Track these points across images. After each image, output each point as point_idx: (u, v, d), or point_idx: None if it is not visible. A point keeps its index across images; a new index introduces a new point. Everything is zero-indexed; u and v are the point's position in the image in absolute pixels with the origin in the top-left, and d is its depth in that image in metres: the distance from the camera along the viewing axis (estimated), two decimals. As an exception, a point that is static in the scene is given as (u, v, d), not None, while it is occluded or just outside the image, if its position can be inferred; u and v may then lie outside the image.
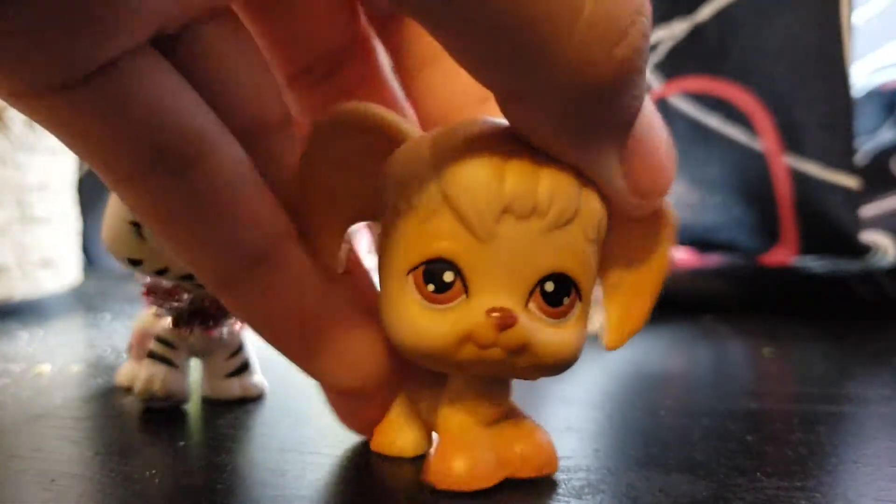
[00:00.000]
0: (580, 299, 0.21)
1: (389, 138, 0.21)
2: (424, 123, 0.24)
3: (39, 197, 0.53)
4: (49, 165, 0.54)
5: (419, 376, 0.23)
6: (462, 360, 0.20)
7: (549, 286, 0.20)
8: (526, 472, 0.22)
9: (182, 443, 0.25)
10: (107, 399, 0.31)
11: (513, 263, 0.19)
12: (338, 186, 0.21)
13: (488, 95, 0.18)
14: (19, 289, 0.51)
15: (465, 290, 0.20)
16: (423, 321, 0.20)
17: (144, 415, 0.29)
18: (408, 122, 0.21)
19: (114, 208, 0.27)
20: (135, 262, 0.27)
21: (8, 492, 0.21)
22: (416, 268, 0.20)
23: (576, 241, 0.20)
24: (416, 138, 0.21)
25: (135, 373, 0.31)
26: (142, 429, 0.28)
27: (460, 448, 0.21)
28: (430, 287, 0.20)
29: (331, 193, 0.21)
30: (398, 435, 0.24)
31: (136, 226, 0.26)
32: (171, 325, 0.29)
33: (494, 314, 0.19)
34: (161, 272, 0.27)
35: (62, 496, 0.21)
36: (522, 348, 0.20)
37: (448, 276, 0.20)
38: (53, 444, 0.25)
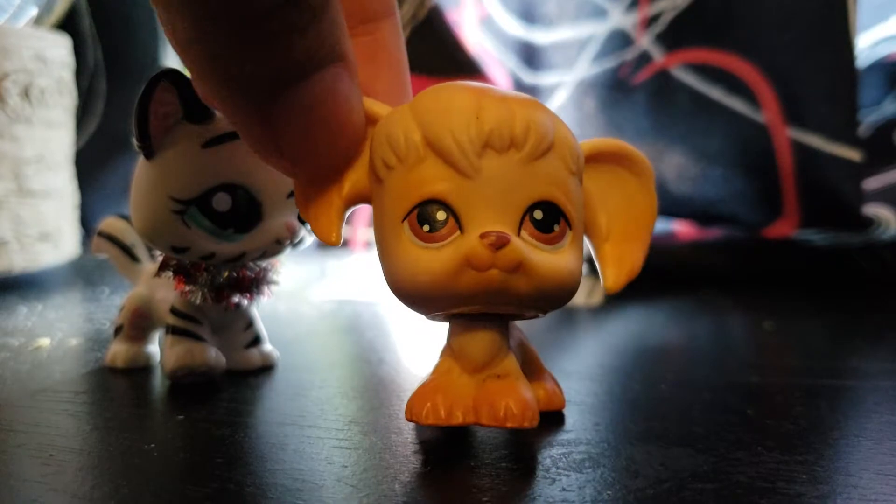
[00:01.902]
0: (570, 227, 0.22)
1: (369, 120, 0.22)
2: None
3: (36, 170, 0.52)
4: (46, 138, 0.54)
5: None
6: (463, 289, 0.21)
7: (538, 214, 0.21)
8: (487, 422, 0.22)
9: (181, 416, 0.25)
10: (105, 373, 0.31)
11: (500, 195, 0.21)
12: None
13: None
14: (17, 262, 0.51)
15: (459, 227, 0.21)
16: (421, 260, 0.21)
17: (143, 389, 0.29)
18: (379, 103, 0.23)
19: (151, 199, 0.26)
20: (180, 250, 0.27)
21: (7, 465, 0.21)
22: (409, 213, 0.21)
23: (557, 170, 0.21)
24: (396, 108, 0.22)
25: (131, 353, 0.31)
26: (140, 403, 0.28)
27: (436, 388, 0.22)
28: (426, 228, 0.21)
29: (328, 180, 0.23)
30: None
31: (180, 214, 0.26)
32: (208, 300, 0.29)
33: (490, 236, 0.20)
34: (208, 257, 0.27)
35: (61, 470, 0.21)
36: (518, 266, 0.20)
37: (441, 215, 0.21)
38: (52, 418, 0.25)
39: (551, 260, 0.21)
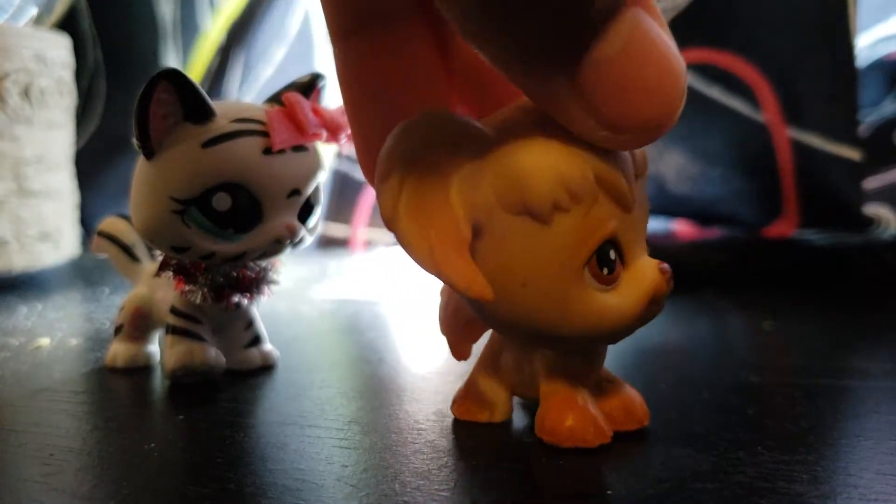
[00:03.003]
0: None
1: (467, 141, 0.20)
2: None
3: (36, 170, 0.52)
4: (46, 139, 0.54)
5: (498, 346, 0.24)
6: (643, 322, 0.21)
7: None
8: (628, 426, 0.23)
9: (181, 417, 0.25)
10: (105, 373, 0.31)
11: (641, 222, 0.21)
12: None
13: None
14: (18, 262, 0.51)
15: (622, 262, 0.21)
16: (609, 305, 0.20)
17: (143, 389, 0.29)
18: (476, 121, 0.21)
19: (151, 199, 0.26)
20: (180, 250, 0.27)
21: (6, 465, 0.21)
22: (590, 258, 0.20)
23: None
24: (523, 138, 0.20)
25: (131, 353, 0.31)
26: (140, 403, 0.28)
27: (572, 408, 0.22)
28: (605, 271, 0.20)
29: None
30: (485, 404, 0.25)
31: (180, 214, 0.26)
32: (208, 300, 0.29)
33: (665, 270, 0.21)
34: (208, 256, 0.27)
35: (61, 470, 0.21)
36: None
37: (612, 255, 0.20)
38: (52, 418, 0.25)
39: None
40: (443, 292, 0.26)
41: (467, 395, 0.25)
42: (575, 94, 0.17)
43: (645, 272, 0.21)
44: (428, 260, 0.19)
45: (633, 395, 0.24)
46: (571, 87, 0.17)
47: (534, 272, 0.20)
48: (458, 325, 0.25)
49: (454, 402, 0.25)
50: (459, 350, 0.26)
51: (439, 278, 0.20)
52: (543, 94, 0.18)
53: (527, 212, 0.19)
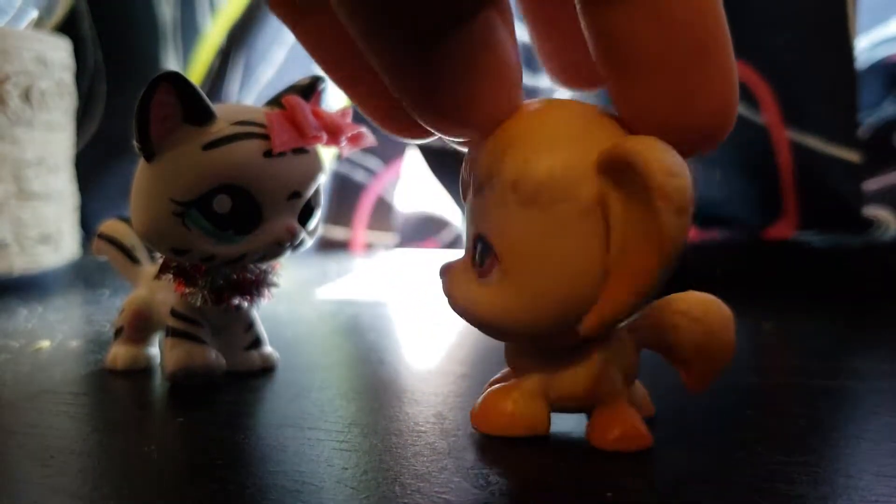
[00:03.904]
0: (498, 262, 0.21)
1: None
2: None
3: (37, 172, 0.53)
4: (46, 141, 0.54)
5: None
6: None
7: (479, 247, 0.22)
8: (472, 425, 0.24)
9: (181, 419, 0.25)
10: (105, 375, 0.31)
11: (467, 227, 0.23)
12: None
13: None
14: (18, 264, 0.51)
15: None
16: None
17: (143, 391, 0.29)
18: None
19: (151, 201, 0.26)
20: (180, 252, 0.27)
21: (6, 467, 0.21)
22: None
23: (489, 202, 0.21)
24: None
25: (131, 355, 0.31)
26: (140, 405, 0.28)
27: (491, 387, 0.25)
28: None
29: None
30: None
31: (180, 216, 0.26)
32: (208, 302, 0.29)
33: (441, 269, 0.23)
34: (208, 259, 0.27)
35: (61, 472, 0.21)
36: (447, 296, 0.23)
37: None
38: (52, 419, 0.25)
39: (475, 294, 0.22)
40: None
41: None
42: (429, 79, 0.18)
43: None
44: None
45: (484, 402, 0.24)
46: (426, 74, 0.18)
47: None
48: None
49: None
50: None
51: None
52: (403, 76, 0.19)
53: None
